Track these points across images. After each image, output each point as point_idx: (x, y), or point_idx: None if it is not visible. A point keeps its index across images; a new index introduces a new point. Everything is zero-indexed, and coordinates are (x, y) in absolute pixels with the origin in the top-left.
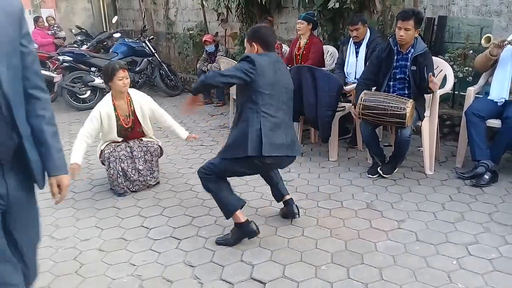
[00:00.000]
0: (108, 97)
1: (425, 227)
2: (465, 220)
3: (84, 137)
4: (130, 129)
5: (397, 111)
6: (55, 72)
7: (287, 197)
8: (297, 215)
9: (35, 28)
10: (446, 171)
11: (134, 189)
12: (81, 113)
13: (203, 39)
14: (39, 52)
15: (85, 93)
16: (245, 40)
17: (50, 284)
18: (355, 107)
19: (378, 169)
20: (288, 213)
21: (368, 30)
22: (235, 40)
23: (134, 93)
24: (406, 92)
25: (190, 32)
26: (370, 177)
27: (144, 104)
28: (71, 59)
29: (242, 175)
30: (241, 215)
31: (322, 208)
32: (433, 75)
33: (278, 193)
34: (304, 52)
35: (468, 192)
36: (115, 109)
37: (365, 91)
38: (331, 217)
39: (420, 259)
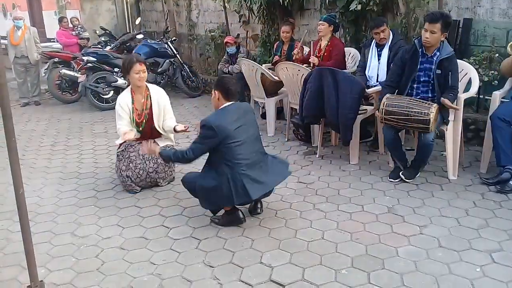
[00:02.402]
0: (128, 89)
1: (448, 233)
2: (489, 226)
3: (121, 127)
4: (143, 124)
5: (421, 116)
6: (79, 73)
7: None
8: (259, 210)
9: (60, 29)
10: (470, 177)
11: (140, 186)
12: (104, 113)
13: (225, 40)
14: (64, 53)
15: (108, 93)
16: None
17: (72, 281)
18: (378, 110)
19: (400, 173)
20: (253, 208)
21: (391, 32)
22: (256, 42)
23: (154, 89)
24: (430, 95)
25: (212, 33)
26: (392, 181)
27: (161, 100)
28: (95, 59)
29: None
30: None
31: (343, 211)
32: (458, 79)
33: None
34: (325, 54)
35: (493, 198)
36: (132, 102)
37: (387, 95)
38: (351, 221)
39: (443, 265)
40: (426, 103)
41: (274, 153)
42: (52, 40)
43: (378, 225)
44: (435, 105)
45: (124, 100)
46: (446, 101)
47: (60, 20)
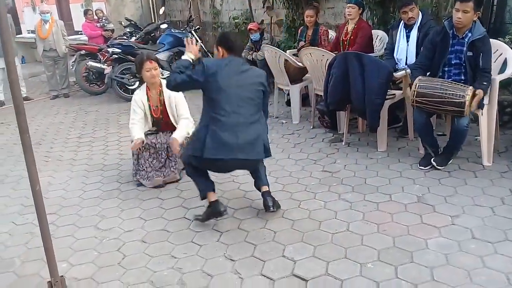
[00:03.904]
0: (143, 87)
1: (482, 224)
2: None
3: (134, 124)
4: (161, 120)
5: (456, 99)
6: (105, 64)
7: (264, 188)
8: (271, 208)
9: (85, 21)
10: (506, 163)
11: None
12: (130, 104)
13: (248, 27)
14: (90, 45)
15: (134, 84)
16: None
17: (93, 275)
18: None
19: (431, 160)
20: (264, 205)
21: (420, 13)
22: (280, 28)
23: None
24: (463, 78)
25: (236, 20)
26: (422, 169)
27: (173, 95)
28: (120, 51)
29: (206, 170)
30: (212, 196)
31: (369, 201)
32: (490, 61)
33: (256, 182)
34: (352, 37)
35: None
36: (148, 99)
37: (419, 77)
38: (378, 212)
39: (476, 258)
40: (461, 85)
41: (298, 140)
42: (79, 33)
43: (407, 216)
44: (470, 87)
45: (139, 97)
46: (478, 96)
47: (85, 12)
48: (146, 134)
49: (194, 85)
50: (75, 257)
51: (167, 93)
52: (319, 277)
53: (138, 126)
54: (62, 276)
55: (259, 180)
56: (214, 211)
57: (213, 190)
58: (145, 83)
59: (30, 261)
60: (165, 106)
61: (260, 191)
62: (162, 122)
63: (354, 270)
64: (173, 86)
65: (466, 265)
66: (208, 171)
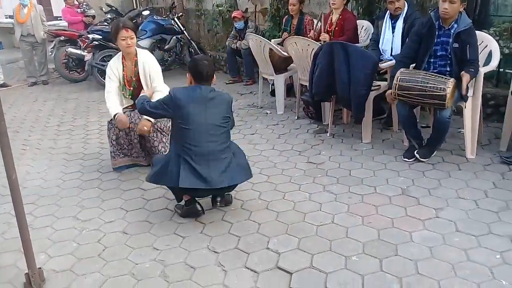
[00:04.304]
0: (119, 55)
1: (466, 217)
2: (510, 209)
3: (109, 92)
4: (131, 91)
5: (437, 91)
6: (85, 51)
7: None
8: (217, 203)
9: (65, 6)
10: (489, 155)
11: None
12: None
13: (232, 15)
14: (70, 31)
15: None
16: None
17: (72, 267)
18: (390, 88)
19: (415, 152)
20: (211, 199)
21: (406, 3)
22: (265, 16)
23: (142, 55)
24: (448, 69)
25: (220, 8)
26: (406, 161)
27: (147, 66)
28: (100, 37)
29: None
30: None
31: (354, 193)
32: (477, 52)
33: None
34: (337, 28)
35: None
36: (123, 68)
37: (401, 69)
38: (363, 204)
39: (460, 251)
40: (442, 77)
41: (283, 131)
42: (59, 18)
43: (391, 208)
44: (452, 79)
45: (114, 65)
46: (465, 78)
47: None
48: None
49: (165, 112)
50: (53, 248)
51: (141, 63)
52: (303, 270)
53: (114, 97)
54: (40, 268)
55: None
56: (192, 211)
57: None
58: (121, 52)
59: (7, 252)
60: (139, 77)
61: None
62: (136, 94)
63: (339, 263)
64: (144, 111)
65: (450, 258)
66: None
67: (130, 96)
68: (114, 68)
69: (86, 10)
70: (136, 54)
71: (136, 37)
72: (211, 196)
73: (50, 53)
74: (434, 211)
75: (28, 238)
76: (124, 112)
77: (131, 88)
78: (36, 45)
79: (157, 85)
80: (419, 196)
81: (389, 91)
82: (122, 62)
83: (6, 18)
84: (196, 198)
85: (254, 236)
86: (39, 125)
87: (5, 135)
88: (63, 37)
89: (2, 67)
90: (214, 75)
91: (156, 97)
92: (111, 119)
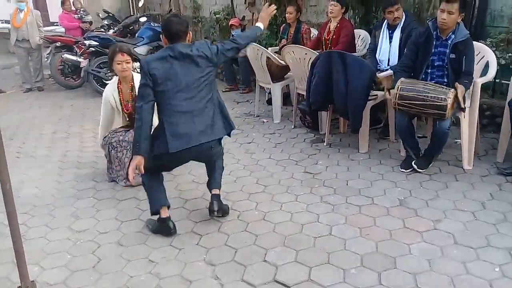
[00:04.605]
0: (115, 80)
1: (464, 228)
2: (508, 221)
3: (103, 126)
4: (133, 115)
5: (438, 101)
6: (81, 57)
7: (214, 191)
8: (214, 213)
9: (62, 12)
10: (486, 166)
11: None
12: None
13: (230, 23)
14: (66, 37)
15: (111, 78)
16: None
17: (66, 280)
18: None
19: (412, 163)
20: (209, 209)
21: (403, 13)
22: None
23: (138, 78)
24: (446, 80)
25: (217, 16)
26: (404, 172)
27: None
28: (97, 43)
29: (172, 168)
30: (164, 212)
31: (351, 204)
32: (473, 64)
33: (209, 182)
34: (334, 36)
35: (511, 190)
36: (119, 93)
37: (402, 79)
38: (360, 215)
39: (459, 264)
40: (443, 87)
41: (280, 140)
42: (55, 24)
43: (389, 220)
44: (452, 90)
45: (110, 91)
46: (459, 89)
47: (63, 3)
48: (115, 131)
49: (145, 88)
50: (47, 260)
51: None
52: (302, 283)
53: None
54: (33, 281)
55: (212, 181)
56: (164, 229)
57: (167, 205)
58: (117, 76)
59: None
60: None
61: (210, 192)
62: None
63: (337, 276)
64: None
65: (449, 271)
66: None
67: (128, 120)
68: (110, 95)
69: (83, 16)
70: (132, 78)
71: (134, 44)
72: (208, 206)
73: (46, 59)
74: (432, 223)
75: (22, 251)
76: (119, 131)
77: (131, 111)
78: (31, 50)
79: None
80: (417, 208)
81: (389, 95)
82: (118, 87)
83: (2, 23)
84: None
85: (251, 248)
86: (34, 132)
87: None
88: (59, 43)
89: None
90: (189, 33)
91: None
92: (105, 137)
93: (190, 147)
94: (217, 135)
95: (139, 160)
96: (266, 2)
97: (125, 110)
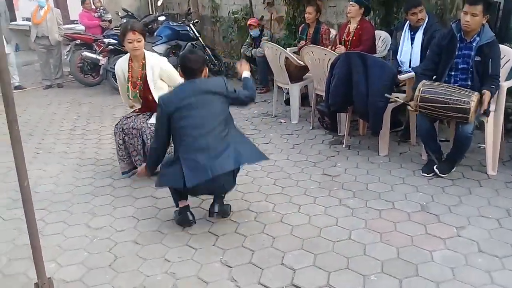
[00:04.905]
0: (127, 56)
1: (488, 236)
2: None
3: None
4: (135, 94)
5: (461, 105)
6: (100, 55)
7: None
8: (214, 215)
9: (82, 10)
10: (511, 172)
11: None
12: None
13: (248, 23)
14: (86, 35)
15: None
16: None
17: (83, 277)
18: (411, 100)
19: (434, 167)
20: (209, 210)
21: (426, 15)
22: (281, 25)
23: (150, 58)
24: (469, 83)
25: (235, 15)
26: (425, 176)
27: (156, 67)
28: (116, 42)
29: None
30: (182, 202)
31: (371, 208)
32: (499, 67)
33: None
34: (354, 38)
35: None
36: (128, 70)
37: (423, 81)
38: (381, 219)
39: (483, 274)
40: (466, 90)
41: (297, 141)
42: (75, 22)
43: (411, 225)
44: (476, 93)
45: (120, 68)
46: (486, 95)
47: (83, 1)
48: (126, 117)
49: (162, 125)
50: (64, 257)
51: (150, 67)
52: None
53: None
54: (49, 278)
55: None
56: (183, 219)
57: (185, 197)
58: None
59: (17, 259)
60: (146, 81)
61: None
62: (142, 97)
63: (357, 282)
64: (156, 147)
65: (473, 280)
66: None
67: (134, 98)
68: (120, 69)
69: (103, 15)
70: (144, 57)
71: (152, 43)
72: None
73: (66, 57)
74: (455, 230)
75: (39, 247)
76: (130, 117)
77: (136, 91)
78: (51, 48)
79: (174, 76)
80: (439, 213)
81: (411, 102)
82: (129, 64)
83: (23, 20)
84: (197, 196)
85: (269, 251)
86: (52, 128)
87: (18, 142)
88: (78, 40)
89: (18, 69)
90: (205, 69)
91: None
92: (117, 123)
93: (207, 180)
94: (233, 165)
95: (145, 172)
96: (285, 2)
97: (131, 88)
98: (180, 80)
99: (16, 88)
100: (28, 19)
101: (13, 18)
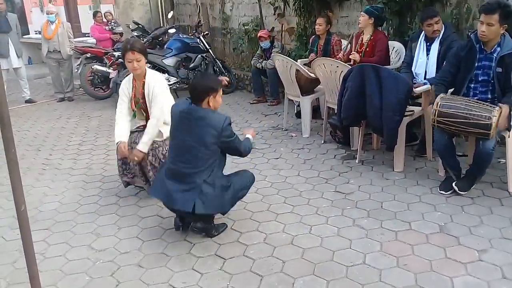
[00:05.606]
0: (131, 75)
1: None
2: None
3: (119, 119)
4: (135, 113)
5: (481, 120)
6: (111, 68)
7: None
8: (180, 229)
9: (94, 23)
10: None
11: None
12: None
13: (258, 35)
14: (96, 48)
15: None
16: None
17: None
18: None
19: (453, 184)
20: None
21: (443, 25)
22: (292, 36)
23: (151, 77)
24: (490, 96)
25: (246, 27)
26: (443, 194)
27: (151, 90)
28: None
29: None
30: None
31: (387, 229)
32: None
33: None
34: (367, 49)
35: None
36: (132, 89)
37: (441, 94)
38: (397, 242)
39: None
40: (487, 105)
41: (309, 156)
42: (86, 35)
43: (429, 248)
44: (497, 108)
45: (125, 85)
46: (504, 109)
47: (94, 14)
48: (132, 132)
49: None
50: (64, 281)
51: (147, 85)
52: None
53: (123, 123)
54: None
55: None
56: (174, 221)
57: None
58: None
59: (16, 284)
60: (145, 101)
61: None
62: (141, 115)
63: None
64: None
65: None
66: None
67: (134, 118)
68: (125, 88)
69: (114, 28)
70: (145, 75)
71: (162, 55)
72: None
73: (76, 70)
74: (477, 253)
75: (37, 276)
76: (134, 132)
77: (135, 109)
78: (62, 61)
79: (153, 111)
80: (459, 235)
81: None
82: (133, 83)
83: (36, 33)
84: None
85: (278, 276)
86: (61, 143)
87: (15, 164)
88: (89, 54)
89: (30, 83)
90: (211, 97)
91: (148, 127)
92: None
93: (167, 204)
94: (186, 208)
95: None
96: (296, 13)
97: (132, 106)
98: (157, 107)
99: (27, 101)
100: (40, 33)
101: (26, 32)
